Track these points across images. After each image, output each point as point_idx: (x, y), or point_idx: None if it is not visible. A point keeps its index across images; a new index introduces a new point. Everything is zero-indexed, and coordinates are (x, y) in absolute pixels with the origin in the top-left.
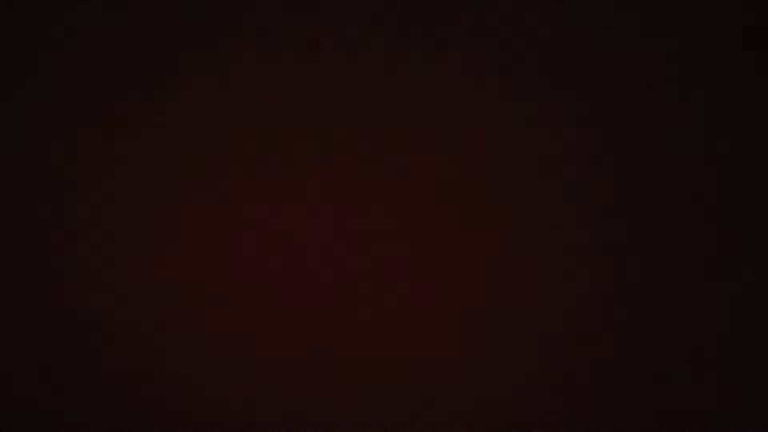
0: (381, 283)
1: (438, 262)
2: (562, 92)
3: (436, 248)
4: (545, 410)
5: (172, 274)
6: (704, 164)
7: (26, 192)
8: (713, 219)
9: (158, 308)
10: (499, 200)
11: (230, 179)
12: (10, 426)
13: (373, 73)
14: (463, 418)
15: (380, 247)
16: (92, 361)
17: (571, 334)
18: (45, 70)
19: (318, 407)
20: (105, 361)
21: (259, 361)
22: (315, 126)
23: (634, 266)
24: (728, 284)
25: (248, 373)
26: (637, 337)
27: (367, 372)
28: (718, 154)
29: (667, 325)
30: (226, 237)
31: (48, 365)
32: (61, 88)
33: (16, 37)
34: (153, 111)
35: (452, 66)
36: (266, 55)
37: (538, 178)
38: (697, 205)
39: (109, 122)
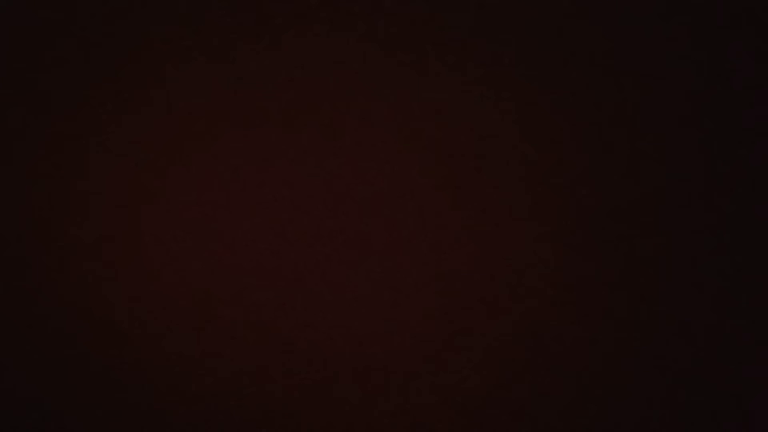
0: (373, 281)
1: (434, 260)
2: (561, 89)
3: (431, 246)
4: (537, 409)
5: (159, 273)
6: (705, 163)
7: (4, 189)
8: (713, 219)
9: (146, 308)
10: (497, 200)
11: (221, 177)
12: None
13: (370, 69)
14: (459, 417)
15: (372, 245)
16: (80, 363)
17: (567, 333)
18: (16, 59)
19: (314, 407)
20: (93, 362)
21: (251, 357)
22: (310, 120)
23: (633, 265)
24: (728, 284)
25: (235, 370)
26: (635, 337)
27: (358, 371)
28: (717, 153)
29: (665, 325)
30: (219, 235)
31: (35, 367)
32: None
33: None
34: (139, 103)
35: (450, 60)
36: (259, 49)
37: (536, 176)
38: (697, 205)
39: (89, 115)
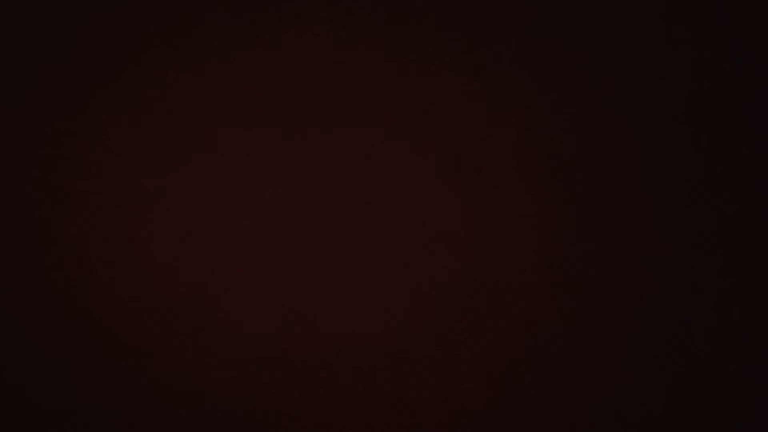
0: (374, 282)
1: (434, 260)
2: (561, 89)
3: (431, 246)
4: (537, 409)
5: (159, 273)
6: (705, 162)
7: (6, 192)
8: (713, 218)
9: (146, 308)
10: (497, 200)
11: (222, 177)
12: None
13: (370, 70)
14: (459, 417)
15: (372, 246)
16: (76, 364)
17: (567, 333)
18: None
19: (313, 407)
20: (93, 362)
21: (251, 360)
22: (310, 121)
23: (633, 265)
24: (729, 284)
25: (234, 373)
26: (635, 337)
27: (358, 371)
28: (717, 152)
29: (665, 325)
30: (219, 236)
31: (35, 367)
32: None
33: None
34: (140, 109)
35: (450, 61)
36: (258, 53)
37: (536, 176)
38: (697, 205)
39: (89, 115)
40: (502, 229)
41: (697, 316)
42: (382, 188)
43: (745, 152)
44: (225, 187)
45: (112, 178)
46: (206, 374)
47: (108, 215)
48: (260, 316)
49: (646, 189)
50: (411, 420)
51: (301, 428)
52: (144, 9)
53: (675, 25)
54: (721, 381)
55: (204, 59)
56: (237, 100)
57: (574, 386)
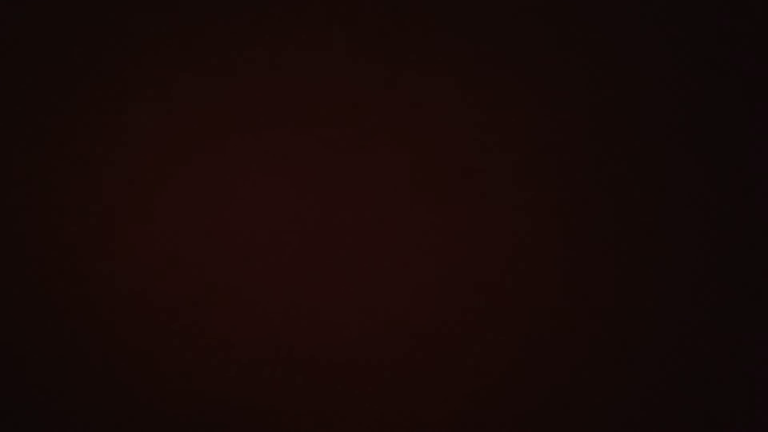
0: (374, 282)
1: (434, 260)
2: (560, 89)
3: (431, 247)
4: (537, 409)
5: (160, 274)
6: (703, 162)
7: (10, 187)
8: (713, 219)
9: (146, 308)
10: (498, 201)
11: (218, 176)
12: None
13: (368, 71)
14: (450, 416)
15: (373, 246)
16: (76, 359)
17: (568, 333)
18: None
19: (313, 407)
20: (94, 362)
21: (246, 360)
22: (309, 124)
23: (629, 262)
24: (728, 284)
25: (233, 370)
26: (635, 337)
27: (358, 371)
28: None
29: (666, 325)
30: (217, 237)
31: (35, 367)
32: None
33: None
34: (140, 107)
35: (449, 60)
36: (257, 56)
37: (535, 176)
38: (697, 205)
39: (91, 117)
40: (502, 228)
41: (697, 316)
42: (383, 187)
43: (744, 152)
44: (225, 186)
45: (111, 178)
46: (207, 373)
47: (108, 215)
48: (259, 316)
49: (646, 189)
50: (411, 420)
51: (301, 427)
52: (144, 9)
53: (675, 25)
54: (721, 381)
55: (204, 59)
56: (237, 100)
57: (574, 386)
